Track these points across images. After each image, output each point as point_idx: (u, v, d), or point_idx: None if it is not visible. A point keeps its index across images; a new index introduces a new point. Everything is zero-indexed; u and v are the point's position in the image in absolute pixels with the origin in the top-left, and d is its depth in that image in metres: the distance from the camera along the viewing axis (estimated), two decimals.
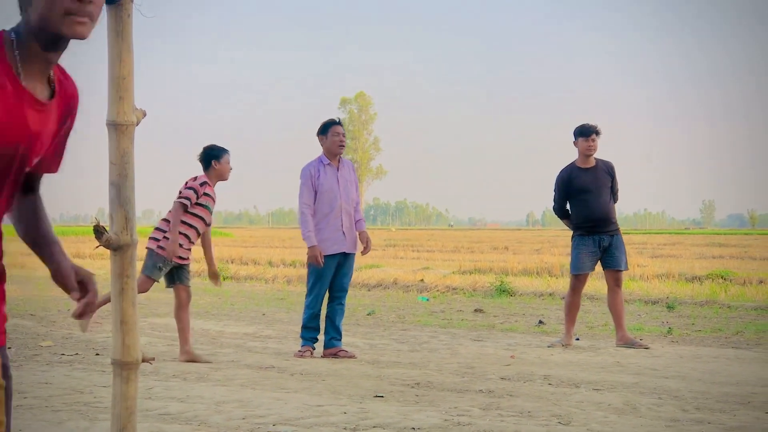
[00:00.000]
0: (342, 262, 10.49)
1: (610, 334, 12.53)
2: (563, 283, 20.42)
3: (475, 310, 15.89)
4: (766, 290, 18.14)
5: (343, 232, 10.41)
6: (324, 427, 6.44)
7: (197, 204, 9.67)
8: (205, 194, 9.72)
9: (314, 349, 10.39)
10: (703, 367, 9.57)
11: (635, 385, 8.33)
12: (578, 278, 11.63)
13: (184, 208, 9.59)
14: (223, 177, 9.96)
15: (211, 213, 9.86)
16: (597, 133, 11.67)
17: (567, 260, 28.92)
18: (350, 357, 10.16)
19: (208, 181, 9.81)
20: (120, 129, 3.82)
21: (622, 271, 11.63)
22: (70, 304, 16.39)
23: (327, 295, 10.55)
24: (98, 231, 3.81)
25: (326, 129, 10.57)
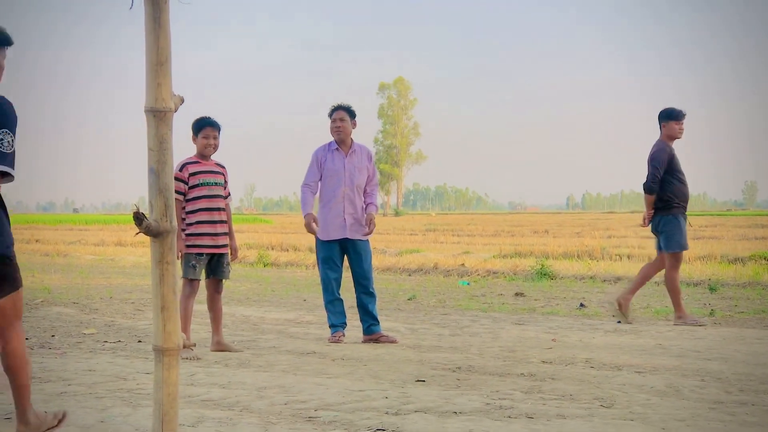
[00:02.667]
0: (350, 249, 10.50)
1: (651, 316, 12.47)
2: (604, 266, 20.35)
3: (516, 294, 15.84)
4: None
5: (344, 218, 10.40)
6: (366, 412, 6.44)
7: (192, 187, 9.33)
8: (192, 174, 9.35)
9: (344, 333, 10.42)
10: (747, 348, 9.49)
11: (678, 368, 8.27)
12: (680, 255, 11.93)
13: (180, 203, 9.26)
14: (202, 153, 9.47)
15: (212, 185, 9.42)
16: (685, 116, 11.92)
17: (607, 243, 28.82)
18: (391, 342, 10.16)
19: (191, 160, 9.44)
20: (158, 115, 3.83)
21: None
22: (111, 291, 16.49)
23: (351, 284, 10.62)
24: (138, 218, 3.82)
25: (330, 114, 10.60)
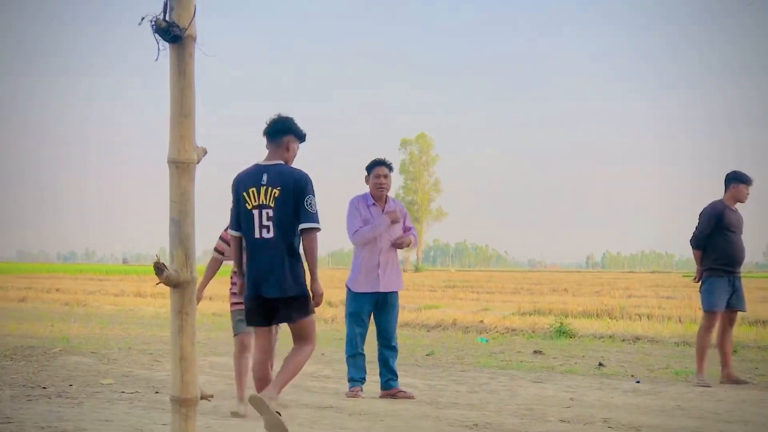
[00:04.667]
0: (381, 303, 10.47)
1: (671, 377, 12.40)
2: (623, 326, 20.26)
3: (535, 352, 15.77)
4: None
5: (378, 274, 10.39)
6: None
7: None
8: None
9: (362, 389, 10.40)
10: (767, 412, 9.42)
11: (697, 429, 8.21)
12: (714, 315, 11.94)
13: (217, 262, 9.13)
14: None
15: None
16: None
17: (626, 302, 28.70)
18: (409, 397, 10.12)
19: None
20: (181, 167, 3.86)
21: (741, 311, 12.25)
22: (130, 342, 16.50)
23: (376, 337, 10.60)
24: (159, 268, 3.84)
25: (370, 169, 10.58)
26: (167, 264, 3.91)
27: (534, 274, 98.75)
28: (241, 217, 7.47)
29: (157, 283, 3.95)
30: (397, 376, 10.46)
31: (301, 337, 7.55)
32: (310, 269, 7.43)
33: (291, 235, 7.34)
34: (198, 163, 3.95)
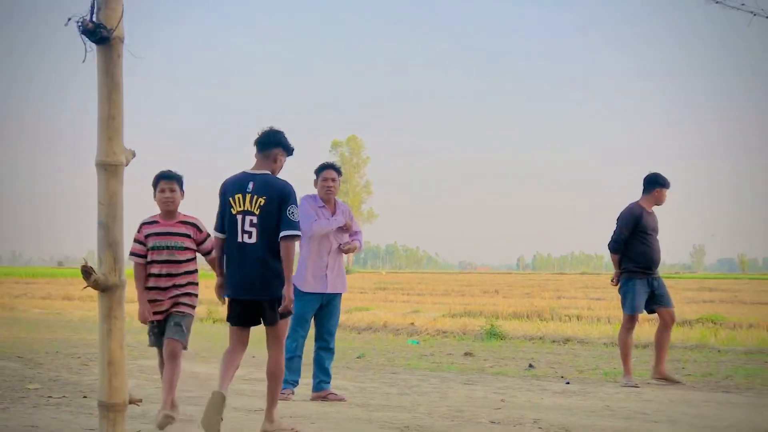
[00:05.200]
0: (325, 305, 10.49)
1: (600, 378, 12.51)
2: (554, 327, 20.41)
3: (465, 354, 15.83)
4: (756, 334, 18.09)
5: (326, 274, 10.41)
6: None
7: (151, 249, 8.39)
8: (147, 236, 8.43)
9: (293, 392, 10.37)
10: (694, 411, 9.53)
11: (625, 430, 8.29)
12: (633, 318, 12.15)
13: (142, 266, 8.44)
14: (162, 209, 8.47)
15: (163, 249, 8.36)
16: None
17: (556, 304, 28.94)
18: (340, 400, 10.11)
19: (150, 219, 8.53)
20: (109, 169, 3.81)
21: (673, 308, 12.28)
22: (57, 346, 16.30)
23: (313, 335, 10.58)
24: (86, 272, 3.79)
25: (319, 172, 10.61)
26: (95, 267, 3.86)
27: (465, 276, 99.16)
28: (225, 221, 7.96)
29: (85, 287, 3.90)
30: (330, 378, 10.46)
31: (277, 339, 8.06)
32: (284, 274, 7.77)
33: (273, 241, 7.80)
34: (126, 165, 3.90)
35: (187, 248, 8.42)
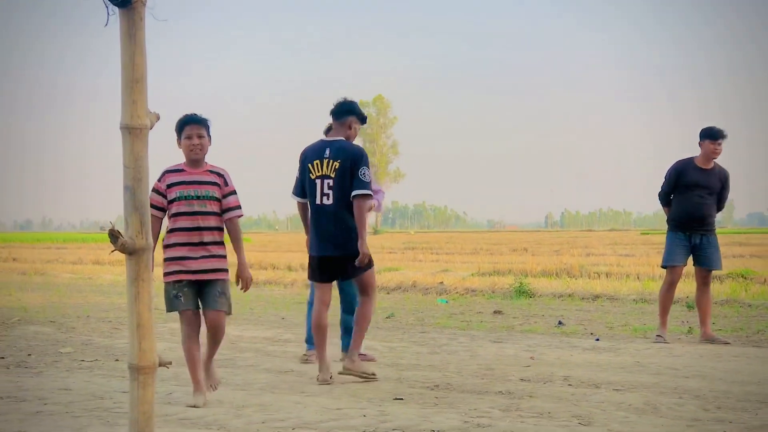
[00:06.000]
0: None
1: (629, 334, 12.50)
2: (582, 284, 20.38)
3: (495, 312, 15.85)
4: None
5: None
6: (343, 431, 6.42)
7: (172, 201, 7.54)
8: (170, 185, 7.58)
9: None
10: (724, 366, 9.52)
11: (656, 385, 8.29)
12: (671, 271, 11.96)
13: (157, 219, 7.57)
14: (189, 159, 7.65)
15: (193, 199, 7.54)
16: (724, 137, 11.83)
17: (585, 261, 28.90)
18: (370, 360, 10.12)
19: (175, 168, 7.67)
20: (134, 132, 3.81)
21: (711, 270, 11.95)
22: (88, 310, 16.41)
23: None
24: (113, 235, 3.80)
25: (328, 132, 10.09)
26: (122, 231, 3.87)
27: (493, 235, 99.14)
28: (306, 186, 8.84)
29: (113, 251, 3.91)
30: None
31: (365, 290, 8.91)
32: (358, 231, 8.57)
33: (349, 201, 8.64)
34: (151, 128, 3.90)
35: (217, 199, 7.62)
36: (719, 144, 11.75)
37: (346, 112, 8.96)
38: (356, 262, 8.65)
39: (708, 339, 11.55)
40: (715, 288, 18.15)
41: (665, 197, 12.05)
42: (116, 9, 3.72)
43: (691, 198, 11.76)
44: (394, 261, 32.69)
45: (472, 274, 24.86)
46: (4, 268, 32.97)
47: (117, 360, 10.22)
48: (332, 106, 9.01)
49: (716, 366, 9.50)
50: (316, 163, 8.75)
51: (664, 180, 12.02)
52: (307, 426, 6.58)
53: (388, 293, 20.82)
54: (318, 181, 8.72)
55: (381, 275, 24.39)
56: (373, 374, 8.80)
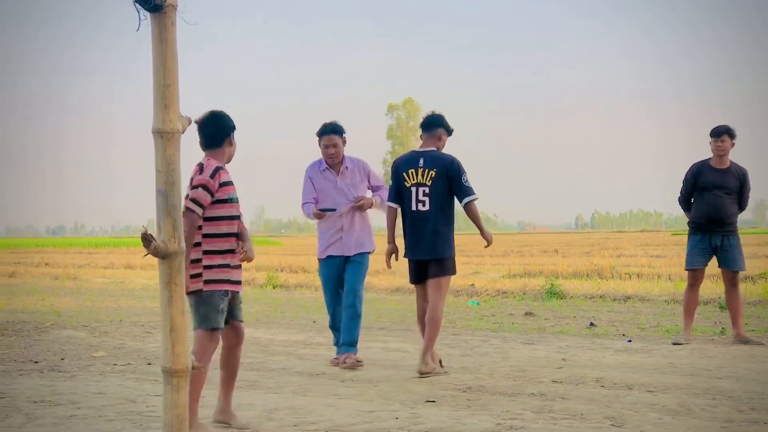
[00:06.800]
0: (347, 263, 10.16)
1: (662, 335, 12.43)
2: (614, 285, 20.31)
3: (526, 314, 15.81)
4: None
5: (342, 237, 10.09)
6: None
7: (217, 202, 6.63)
8: (223, 184, 6.66)
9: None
10: (758, 367, 9.45)
11: (689, 386, 8.24)
12: (692, 274, 11.90)
13: (196, 221, 6.55)
14: (230, 160, 6.96)
15: (237, 202, 6.78)
16: (728, 133, 11.71)
17: (616, 262, 28.78)
18: (351, 366, 9.74)
19: (221, 165, 6.77)
20: (166, 137, 3.83)
21: (736, 271, 11.82)
22: (121, 314, 16.48)
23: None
24: (146, 239, 3.82)
25: (319, 135, 10.19)
26: (155, 235, 3.89)
27: (523, 236, 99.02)
28: (401, 192, 9.45)
29: (146, 255, 3.93)
30: (350, 340, 10.00)
31: (436, 291, 9.40)
32: (478, 225, 9.40)
33: (443, 206, 9.34)
34: (183, 132, 3.92)
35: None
36: (722, 141, 11.66)
37: (435, 124, 9.58)
38: (486, 245, 9.55)
39: (741, 340, 11.47)
40: (748, 289, 18.05)
41: (685, 202, 11.98)
42: (148, 14, 3.74)
43: (710, 199, 11.65)
44: None
45: (503, 276, 24.83)
46: (37, 273, 33.16)
47: (150, 364, 10.26)
48: (422, 119, 9.71)
49: (750, 367, 9.43)
50: (411, 172, 9.41)
51: (682, 185, 11.95)
52: (339, 429, 6.58)
53: None
54: (413, 189, 9.36)
55: None
56: (443, 367, 9.39)
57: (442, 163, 9.33)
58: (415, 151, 9.59)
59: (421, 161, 9.40)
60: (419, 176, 9.35)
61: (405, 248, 9.50)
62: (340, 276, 10.20)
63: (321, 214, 10.05)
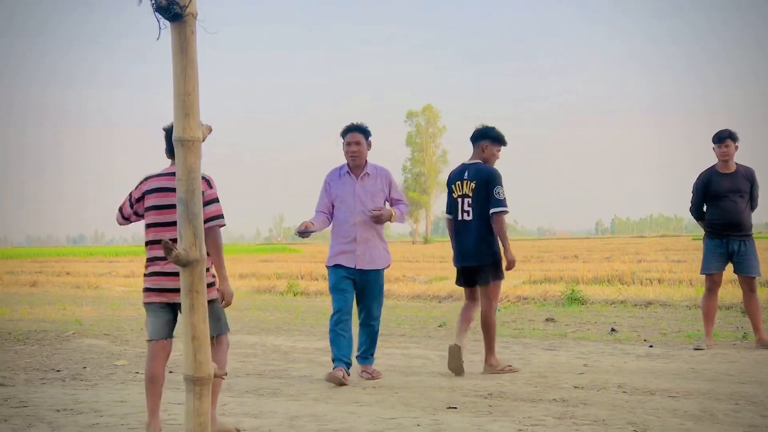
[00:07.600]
0: (361, 282, 9.68)
1: (683, 340, 12.39)
2: (635, 291, 20.25)
3: (547, 320, 15.78)
4: None
5: (355, 249, 9.59)
6: None
7: (144, 211, 6.75)
8: (149, 192, 6.71)
9: (348, 372, 9.36)
10: None
11: (711, 392, 8.21)
12: (709, 279, 11.82)
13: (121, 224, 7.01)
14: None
15: (161, 209, 6.59)
16: (732, 138, 11.66)
17: (637, 267, 28.68)
18: (375, 378, 9.64)
19: (156, 173, 6.82)
20: (186, 145, 3.84)
21: (753, 276, 11.69)
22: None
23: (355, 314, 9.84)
24: (168, 247, 3.83)
25: (343, 135, 9.84)
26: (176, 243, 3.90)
27: (543, 242, 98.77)
28: (451, 204, 10.07)
29: (166, 263, 3.94)
30: (364, 352, 9.91)
31: (488, 297, 9.95)
32: (502, 241, 9.74)
33: (485, 217, 9.78)
34: (203, 141, 3.93)
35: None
36: (726, 146, 11.60)
37: (479, 137, 10.14)
38: (505, 267, 9.86)
39: (763, 344, 11.41)
40: (766, 293, 17.96)
41: (697, 211, 11.92)
42: (167, 23, 3.76)
43: (725, 204, 11.58)
44: (445, 270, 32.62)
45: (524, 282, 24.79)
46: (59, 282, 33.26)
47: (171, 372, 10.26)
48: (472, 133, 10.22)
49: None
50: (458, 184, 10.00)
51: (692, 194, 11.89)
52: None
53: (440, 302, 20.80)
54: (459, 200, 9.96)
55: (432, 284, 24.38)
56: (510, 366, 9.94)
57: (481, 175, 9.85)
58: (463, 163, 10.15)
59: (466, 173, 9.98)
60: (464, 188, 9.93)
61: (453, 256, 10.19)
62: (348, 287, 9.59)
63: (304, 233, 9.38)
